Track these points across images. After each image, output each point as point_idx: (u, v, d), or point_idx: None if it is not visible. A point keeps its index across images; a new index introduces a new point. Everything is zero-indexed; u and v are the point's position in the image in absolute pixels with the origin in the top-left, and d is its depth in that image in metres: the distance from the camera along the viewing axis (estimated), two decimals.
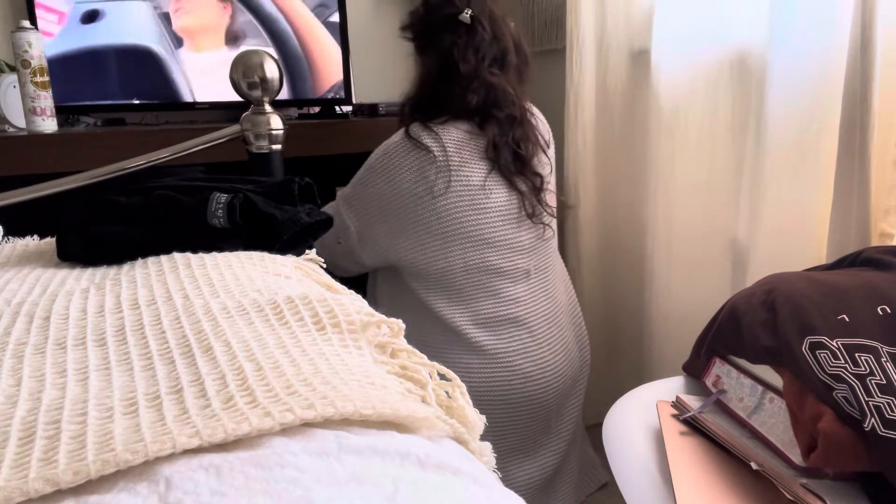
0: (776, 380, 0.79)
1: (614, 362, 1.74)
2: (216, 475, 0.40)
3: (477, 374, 1.29)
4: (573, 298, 1.46)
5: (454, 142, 1.27)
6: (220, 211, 0.96)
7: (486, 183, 1.27)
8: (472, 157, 1.28)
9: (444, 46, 1.27)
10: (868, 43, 0.97)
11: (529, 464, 1.35)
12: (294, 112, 1.94)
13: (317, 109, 1.94)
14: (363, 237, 1.34)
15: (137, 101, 1.70)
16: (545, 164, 1.35)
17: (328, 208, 1.36)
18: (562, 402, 1.37)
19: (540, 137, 1.34)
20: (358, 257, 1.36)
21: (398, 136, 1.30)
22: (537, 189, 1.32)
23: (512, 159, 1.29)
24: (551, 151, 1.39)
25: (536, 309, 1.33)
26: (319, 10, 1.84)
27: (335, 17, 1.86)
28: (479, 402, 1.29)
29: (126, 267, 0.90)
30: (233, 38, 1.77)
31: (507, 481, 1.33)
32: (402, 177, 1.27)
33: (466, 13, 1.26)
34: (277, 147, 1.32)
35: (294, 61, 1.84)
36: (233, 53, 1.37)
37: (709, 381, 0.90)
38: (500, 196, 1.29)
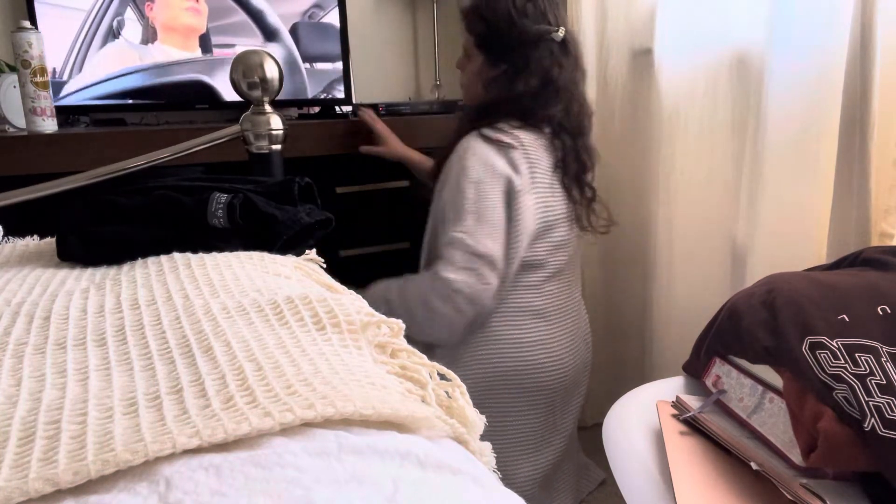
0: (776, 380, 0.79)
1: (615, 362, 1.74)
2: (216, 475, 0.40)
3: (493, 362, 1.30)
4: (581, 297, 1.48)
5: (529, 141, 1.30)
6: (221, 211, 0.97)
7: (552, 181, 1.32)
8: (542, 157, 1.31)
9: (543, 64, 1.29)
10: (868, 43, 0.97)
11: (535, 458, 1.36)
12: (294, 112, 1.94)
13: (317, 109, 1.94)
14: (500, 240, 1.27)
15: (137, 102, 1.70)
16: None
17: (452, 267, 1.22)
18: (566, 398, 1.39)
19: None
20: (502, 274, 1.27)
21: (474, 140, 1.27)
22: (590, 200, 1.38)
23: (577, 170, 1.35)
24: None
25: (559, 303, 1.37)
26: (314, 12, 1.84)
27: (330, 18, 1.86)
28: (492, 390, 1.30)
29: (126, 267, 0.90)
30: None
31: (511, 475, 1.34)
32: (500, 171, 1.26)
33: (561, 31, 1.30)
34: (277, 147, 1.32)
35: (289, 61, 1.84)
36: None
37: (709, 381, 0.90)
38: (560, 196, 1.34)
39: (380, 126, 1.60)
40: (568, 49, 1.33)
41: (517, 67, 1.31)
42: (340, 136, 1.62)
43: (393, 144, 1.60)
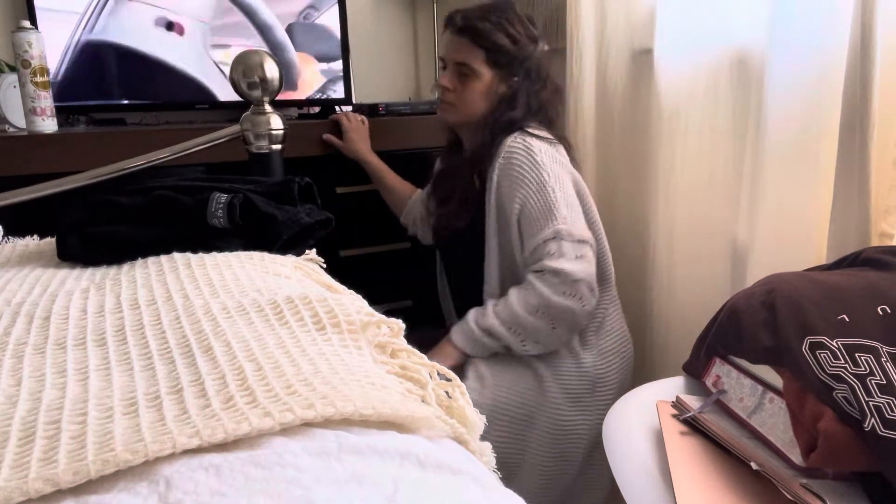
0: (776, 380, 0.79)
1: None
2: (216, 475, 0.40)
3: (619, 350, 1.35)
4: None
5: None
6: (221, 211, 0.97)
7: None
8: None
9: (549, 73, 1.37)
10: (868, 43, 0.97)
11: None
12: (294, 112, 1.94)
13: (317, 109, 1.94)
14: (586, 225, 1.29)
15: (137, 102, 1.70)
16: None
17: (565, 259, 1.21)
18: None
19: None
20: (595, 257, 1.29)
21: (529, 139, 1.27)
22: None
23: None
24: None
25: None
26: (309, 13, 1.84)
27: (324, 19, 1.86)
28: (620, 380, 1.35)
29: (126, 267, 0.90)
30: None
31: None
32: (565, 163, 1.30)
33: (546, 43, 1.39)
34: (277, 147, 1.32)
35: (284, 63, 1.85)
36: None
37: (709, 381, 0.90)
38: None
39: (345, 123, 1.60)
40: (551, 57, 1.40)
41: (531, 79, 1.33)
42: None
43: (351, 142, 1.59)
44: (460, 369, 1.28)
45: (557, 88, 1.39)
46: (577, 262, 1.21)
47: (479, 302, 1.34)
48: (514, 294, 1.24)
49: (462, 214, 1.37)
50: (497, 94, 1.34)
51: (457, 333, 1.28)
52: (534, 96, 1.33)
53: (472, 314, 1.28)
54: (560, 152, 1.31)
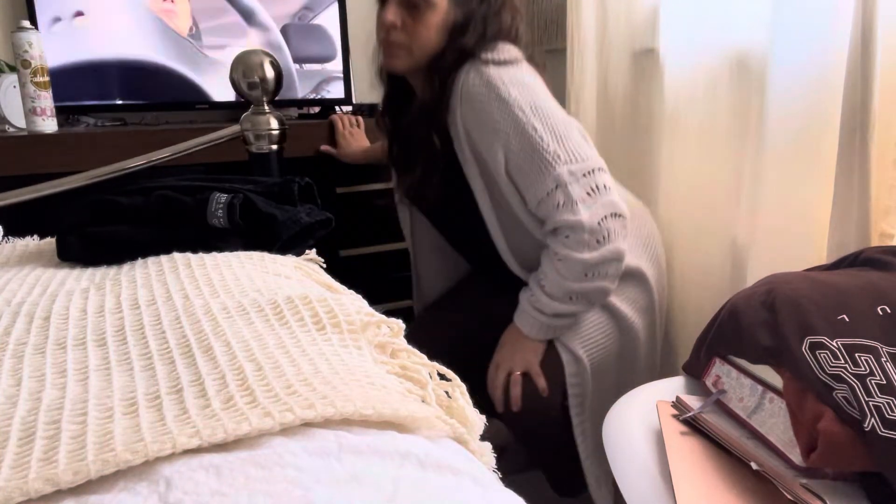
0: (776, 380, 0.79)
1: None
2: (216, 475, 0.40)
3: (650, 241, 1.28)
4: None
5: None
6: (220, 211, 0.97)
7: None
8: None
9: None
10: (868, 43, 0.97)
11: None
12: (294, 112, 1.94)
13: (317, 109, 1.94)
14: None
15: (137, 102, 1.70)
16: None
17: (580, 206, 1.05)
18: None
19: None
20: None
21: (485, 69, 1.07)
22: None
23: None
24: None
25: None
26: (304, 13, 1.85)
27: (320, 20, 1.87)
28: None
29: (126, 267, 0.90)
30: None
31: None
32: (536, 79, 1.11)
33: None
34: (276, 147, 1.32)
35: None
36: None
37: (709, 381, 0.90)
38: None
39: (339, 129, 1.59)
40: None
41: (489, 1, 1.12)
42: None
43: (343, 147, 1.58)
44: (552, 352, 1.16)
45: (518, 10, 1.15)
46: (592, 201, 1.06)
47: (491, 258, 1.21)
48: (551, 268, 1.09)
49: (430, 181, 1.17)
50: (454, 25, 1.10)
51: (528, 327, 1.14)
52: (491, 19, 1.11)
53: (526, 304, 1.13)
54: (524, 69, 1.11)
